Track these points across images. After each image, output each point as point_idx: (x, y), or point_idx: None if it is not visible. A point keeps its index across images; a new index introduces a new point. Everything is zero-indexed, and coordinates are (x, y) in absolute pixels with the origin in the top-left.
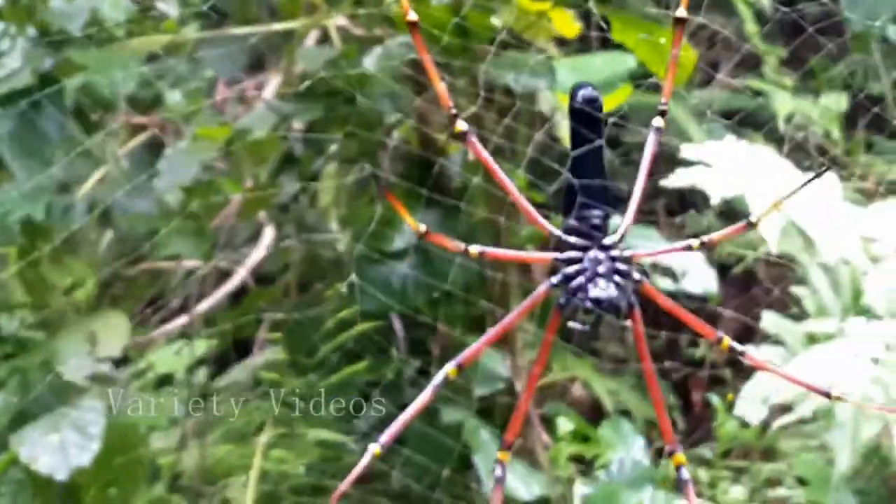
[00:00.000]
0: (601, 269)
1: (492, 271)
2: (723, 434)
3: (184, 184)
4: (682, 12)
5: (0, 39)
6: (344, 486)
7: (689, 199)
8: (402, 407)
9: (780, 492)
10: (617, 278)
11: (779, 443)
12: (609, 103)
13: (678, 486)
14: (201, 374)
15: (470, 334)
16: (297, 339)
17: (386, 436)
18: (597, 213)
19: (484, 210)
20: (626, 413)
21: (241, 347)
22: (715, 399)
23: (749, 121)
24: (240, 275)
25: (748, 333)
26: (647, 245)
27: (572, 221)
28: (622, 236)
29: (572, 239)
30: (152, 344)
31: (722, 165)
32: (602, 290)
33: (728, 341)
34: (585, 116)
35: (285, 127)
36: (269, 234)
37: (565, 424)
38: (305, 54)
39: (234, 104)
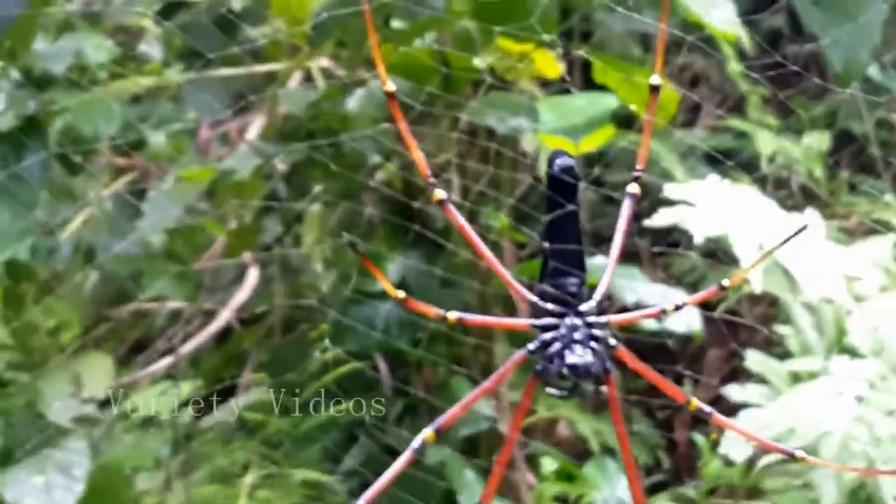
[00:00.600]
0: (577, 335)
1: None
2: (707, 473)
3: (167, 225)
4: (655, 80)
5: None
6: None
7: (674, 238)
8: (386, 447)
9: None
10: (593, 344)
11: (763, 482)
12: (591, 143)
13: None
14: (186, 415)
15: (453, 374)
16: (282, 380)
17: (362, 501)
18: (573, 279)
19: (467, 250)
20: (611, 452)
21: (225, 388)
22: (699, 438)
23: (733, 160)
24: (224, 316)
25: (733, 372)
26: (630, 284)
27: (548, 288)
28: (598, 302)
29: (549, 305)
30: (137, 385)
31: (705, 204)
32: (579, 356)
33: (696, 403)
34: (561, 184)
35: (268, 168)
36: (253, 275)
37: (549, 464)
38: (288, 96)
39: (218, 145)
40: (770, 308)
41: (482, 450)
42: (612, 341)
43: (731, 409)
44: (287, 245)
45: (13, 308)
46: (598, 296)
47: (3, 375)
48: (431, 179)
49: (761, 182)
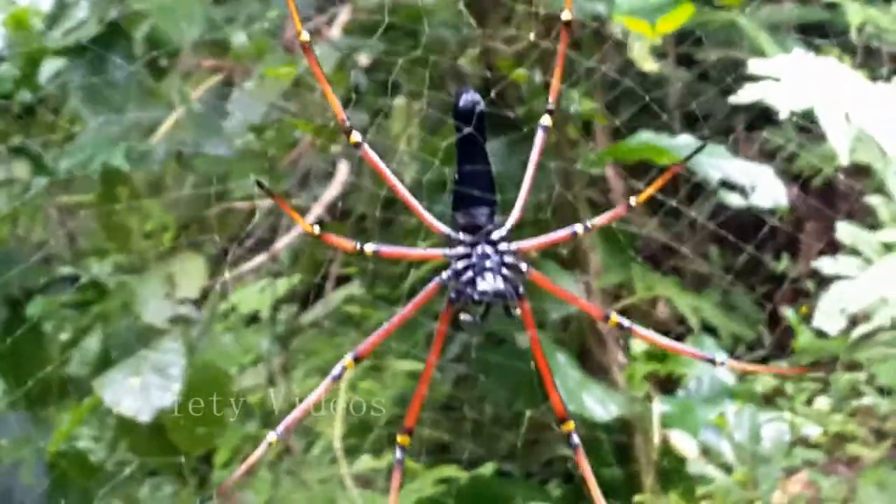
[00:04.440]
0: (489, 263)
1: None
2: (798, 346)
3: (253, 123)
4: (567, 15)
5: None
6: (238, 474)
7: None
8: (489, 333)
9: (865, 400)
10: (504, 271)
11: (861, 352)
12: (669, 23)
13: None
14: (284, 313)
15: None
16: (374, 272)
17: (282, 426)
18: (483, 210)
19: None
20: (711, 330)
21: (323, 284)
22: (790, 313)
23: (822, 32)
24: (315, 211)
25: (832, 245)
26: (714, 162)
27: (460, 219)
28: (509, 231)
29: (461, 235)
30: (235, 284)
31: (791, 79)
32: (489, 283)
33: (616, 318)
34: (468, 119)
35: (351, 63)
36: (343, 170)
37: (639, 344)
38: None
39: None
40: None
41: (572, 336)
42: (524, 266)
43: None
44: (373, 137)
45: (109, 213)
46: (509, 224)
47: (101, 279)
48: (347, 123)
49: (852, 53)
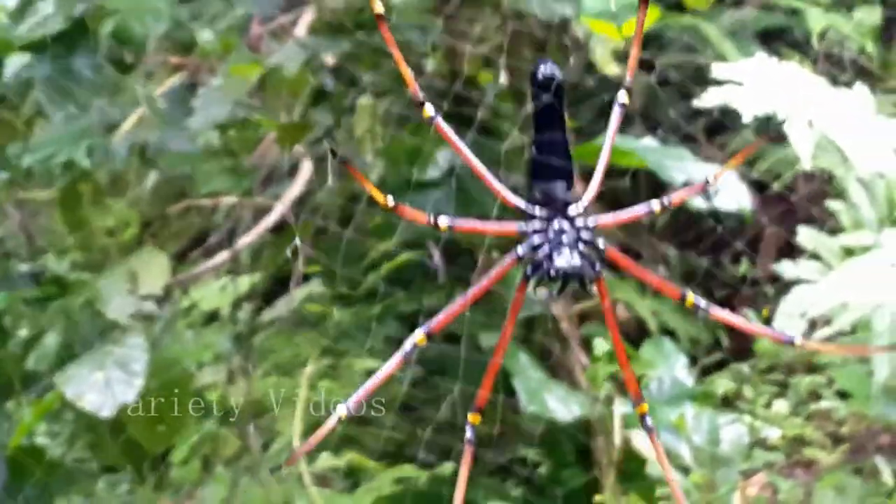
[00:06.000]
0: (565, 238)
1: None
2: (760, 349)
3: (218, 121)
4: None
5: None
6: (306, 447)
7: (731, 119)
8: (448, 334)
9: (823, 404)
10: (581, 247)
11: (819, 357)
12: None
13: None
14: (247, 310)
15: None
16: (338, 271)
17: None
18: (560, 184)
19: (518, 137)
20: (670, 333)
21: (283, 282)
22: (751, 315)
23: (784, 38)
24: (279, 209)
25: (790, 249)
26: (679, 164)
27: (537, 193)
28: (586, 206)
29: (537, 210)
30: (196, 281)
31: (754, 83)
32: (566, 259)
33: (692, 298)
34: (547, 88)
35: (316, 62)
36: (306, 168)
37: (602, 345)
38: None
39: (270, 42)
40: (827, 185)
41: (536, 337)
42: (602, 243)
43: (789, 287)
44: (338, 136)
45: (71, 210)
46: (586, 199)
47: (64, 275)
48: (420, 96)
49: (813, 59)
